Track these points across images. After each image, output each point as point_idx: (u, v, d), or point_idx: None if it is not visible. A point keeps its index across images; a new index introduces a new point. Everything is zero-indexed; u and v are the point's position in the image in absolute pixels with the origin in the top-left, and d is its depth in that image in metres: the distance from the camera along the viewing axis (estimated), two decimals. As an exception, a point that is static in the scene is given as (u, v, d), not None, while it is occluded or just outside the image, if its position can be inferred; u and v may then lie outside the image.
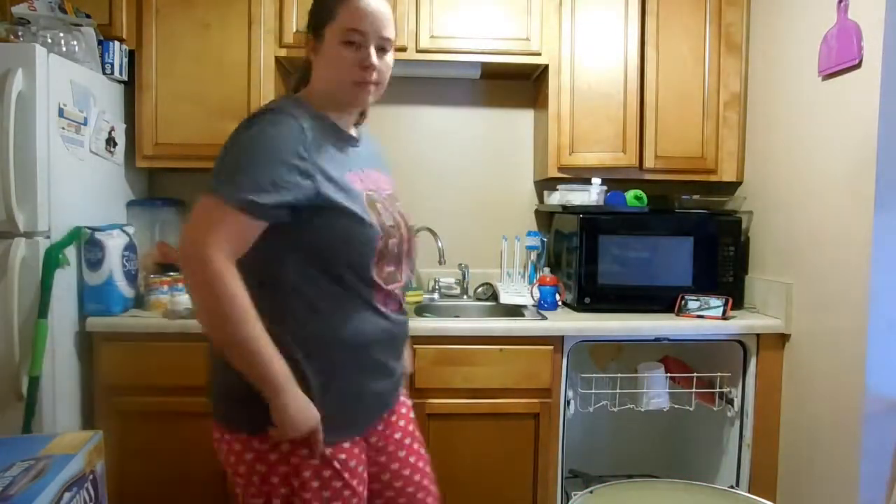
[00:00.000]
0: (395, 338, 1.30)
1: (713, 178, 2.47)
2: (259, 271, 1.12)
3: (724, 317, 2.18)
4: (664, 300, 2.29)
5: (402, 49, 2.34)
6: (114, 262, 2.07)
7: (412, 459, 1.40)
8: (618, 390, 2.22)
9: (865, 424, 1.76)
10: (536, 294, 2.39)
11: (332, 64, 1.21)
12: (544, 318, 2.20)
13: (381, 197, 1.26)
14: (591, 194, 2.42)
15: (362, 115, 1.39)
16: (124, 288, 2.13)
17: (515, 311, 2.40)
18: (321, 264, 1.16)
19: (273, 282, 1.15)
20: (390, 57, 1.25)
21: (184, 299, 2.10)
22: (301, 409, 1.10)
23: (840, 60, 1.86)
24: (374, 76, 1.21)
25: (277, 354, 1.08)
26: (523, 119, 2.74)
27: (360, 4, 1.19)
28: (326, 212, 1.14)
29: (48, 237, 1.91)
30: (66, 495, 0.61)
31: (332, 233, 1.15)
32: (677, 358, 2.39)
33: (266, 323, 1.07)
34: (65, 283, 1.97)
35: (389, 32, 1.23)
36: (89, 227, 2.05)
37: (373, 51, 1.20)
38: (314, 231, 1.14)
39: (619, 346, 2.56)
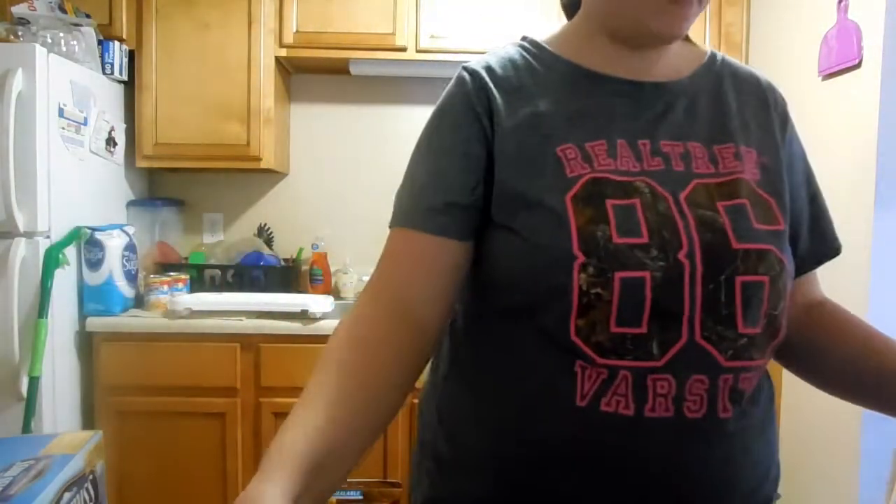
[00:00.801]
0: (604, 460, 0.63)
1: (713, 178, 2.47)
2: None
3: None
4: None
5: (402, 49, 2.34)
6: (114, 262, 2.07)
7: None
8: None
9: (865, 425, 1.76)
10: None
11: None
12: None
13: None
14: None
15: None
16: (124, 288, 2.13)
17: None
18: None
19: None
20: None
21: (185, 299, 2.11)
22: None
23: (840, 60, 1.86)
24: None
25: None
26: (523, 119, 2.74)
27: None
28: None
29: (48, 237, 1.91)
30: (67, 495, 0.61)
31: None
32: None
33: None
34: (65, 283, 1.97)
35: None
36: (89, 227, 2.05)
37: None
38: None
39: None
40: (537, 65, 0.73)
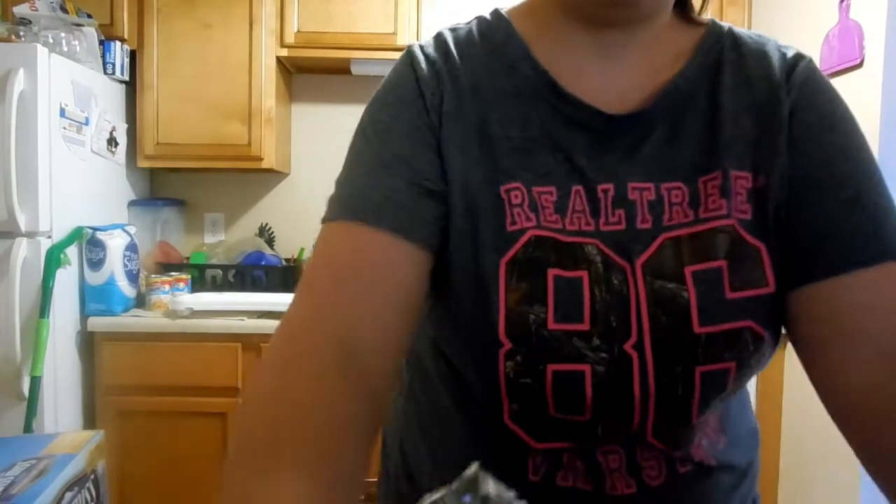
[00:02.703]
0: None
1: (714, 178, 2.46)
2: None
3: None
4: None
5: (403, 49, 2.34)
6: (115, 261, 2.07)
7: None
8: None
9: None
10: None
11: None
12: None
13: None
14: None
15: None
16: (125, 288, 2.13)
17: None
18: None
19: None
20: None
21: (186, 299, 2.11)
22: None
23: (842, 60, 1.86)
24: None
25: None
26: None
27: None
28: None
29: (49, 237, 1.91)
30: (68, 495, 0.61)
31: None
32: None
33: None
34: (66, 283, 1.98)
35: None
36: (91, 227, 2.05)
37: None
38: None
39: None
40: (499, 58, 0.56)
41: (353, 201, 0.52)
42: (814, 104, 0.54)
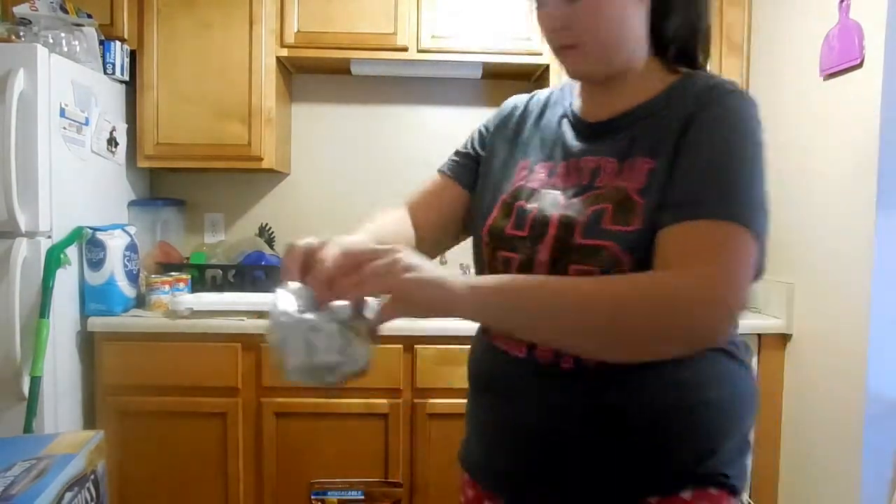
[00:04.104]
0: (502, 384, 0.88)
1: (714, 178, 2.46)
2: None
3: (726, 317, 2.17)
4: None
5: (403, 49, 2.34)
6: (115, 262, 2.07)
7: None
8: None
9: (867, 425, 1.76)
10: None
11: None
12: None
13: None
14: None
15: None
16: (125, 288, 2.13)
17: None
18: None
19: None
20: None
21: (186, 299, 2.11)
22: None
23: (842, 60, 1.86)
24: (565, 39, 0.82)
25: None
26: (524, 119, 2.74)
27: None
28: None
29: (50, 237, 1.91)
30: (68, 495, 0.61)
31: None
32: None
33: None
34: (66, 283, 1.98)
35: None
36: (91, 227, 2.05)
37: (550, 4, 0.82)
38: None
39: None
40: (553, 102, 0.97)
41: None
42: (709, 109, 0.79)
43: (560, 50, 0.84)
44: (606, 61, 0.83)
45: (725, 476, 0.81)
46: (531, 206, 0.85)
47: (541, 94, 0.99)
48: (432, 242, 0.97)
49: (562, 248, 0.80)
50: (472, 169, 0.98)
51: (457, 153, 1.01)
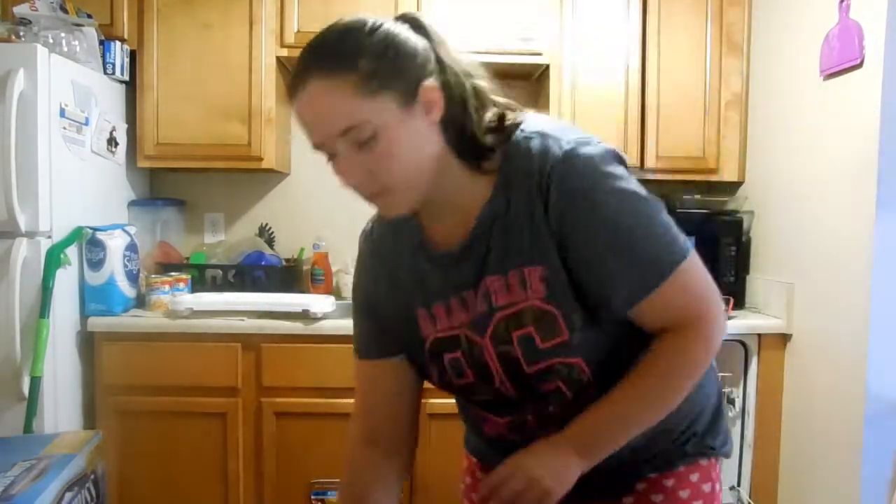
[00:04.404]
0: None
1: (714, 178, 2.46)
2: None
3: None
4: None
5: (404, 49, 2.34)
6: (115, 262, 2.07)
7: None
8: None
9: (867, 425, 1.76)
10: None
11: None
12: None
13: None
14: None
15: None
16: (125, 288, 2.13)
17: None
18: None
19: None
20: (385, 142, 0.77)
21: (186, 299, 2.11)
22: None
23: (842, 60, 1.86)
24: (369, 187, 0.82)
25: None
26: (524, 119, 2.74)
27: (296, 109, 0.88)
28: None
29: (50, 237, 1.91)
30: (68, 495, 0.61)
31: None
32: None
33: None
34: (66, 283, 1.98)
35: (337, 125, 0.80)
36: (91, 227, 2.05)
37: (342, 156, 0.82)
38: None
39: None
40: (396, 230, 0.94)
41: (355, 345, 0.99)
42: (566, 195, 0.77)
43: (370, 198, 0.84)
44: (417, 194, 0.81)
45: (712, 448, 0.94)
46: (455, 355, 0.89)
47: (377, 228, 0.96)
48: (409, 425, 1.01)
49: (517, 379, 0.86)
50: (385, 334, 0.95)
51: (361, 332, 0.98)
